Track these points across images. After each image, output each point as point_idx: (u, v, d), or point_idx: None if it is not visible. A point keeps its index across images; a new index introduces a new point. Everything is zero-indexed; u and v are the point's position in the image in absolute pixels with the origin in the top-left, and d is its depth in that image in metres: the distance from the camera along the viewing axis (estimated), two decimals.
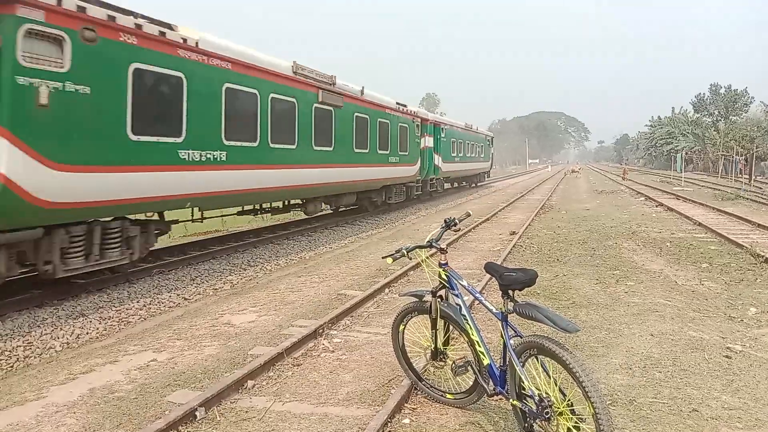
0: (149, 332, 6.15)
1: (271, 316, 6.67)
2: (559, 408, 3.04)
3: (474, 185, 37.09)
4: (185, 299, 7.70)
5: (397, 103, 18.84)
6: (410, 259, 4.10)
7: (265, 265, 10.06)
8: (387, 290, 7.79)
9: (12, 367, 5.25)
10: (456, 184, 34.23)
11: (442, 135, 25.03)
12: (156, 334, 6.04)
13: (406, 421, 3.91)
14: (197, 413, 3.92)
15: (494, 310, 3.53)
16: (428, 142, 22.92)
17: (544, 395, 3.12)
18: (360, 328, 6.16)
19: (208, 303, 7.45)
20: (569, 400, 3.04)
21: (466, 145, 30.73)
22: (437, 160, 24.33)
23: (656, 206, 21.03)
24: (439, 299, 3.96)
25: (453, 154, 27.43)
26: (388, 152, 17.46)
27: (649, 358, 5.08)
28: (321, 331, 5.85)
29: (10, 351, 5.54)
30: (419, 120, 21.31)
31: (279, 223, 15.82)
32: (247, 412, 4.07)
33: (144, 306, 7.25)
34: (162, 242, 12.95)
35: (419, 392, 4.30)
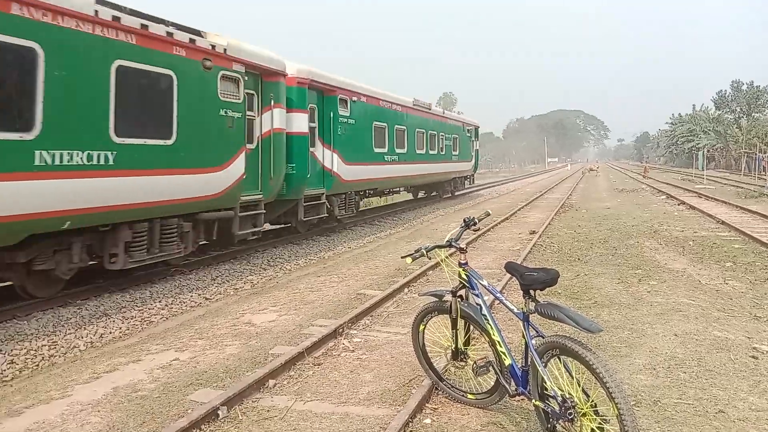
0: (171, 332, 6.22)
1: (291, 315, 6.70)
2: (582, 409, 3.01)
3: (449, 194, 25.77)
4: (206, 299, 7.78)
5: (125, 9, 7.05)
6: (429, 258, 4.08)
7: (284, 265, 10.12)
8: (406, 290, 7.78)
9: (37, 366, 5.35)
10: (425, 192, 25.05)
11: (344, 112, 13.89)
12: (178, 334, 6.11)
13: (428, 421, 3.89)
14: (219, 412, 3.95)
15: (515, 310, 3.50)
16: (296, 123, 11.49)
17: (567, 396, 3.08)
18: (380, 327, 6.16)
19: (229, 302, 7.51)
20: (593, 400, 3.01)
21: (418, 135, 19.42)
22: (329, 159, 13.23)
23: (678, 204, 20.69)
24: (459, 299, 3.94)
25: (380, 150, 16.10)
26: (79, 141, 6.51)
27: (674, 358, 5.00)
28: (341, 330, 5.86)
29: (35, 350, 5.66)
30: (255, 72, 9.92)
31: None
32: (268, 411, 4.09)
33: (166, 306, 7.34)
34: None
35: (440, 392, 4.28)
